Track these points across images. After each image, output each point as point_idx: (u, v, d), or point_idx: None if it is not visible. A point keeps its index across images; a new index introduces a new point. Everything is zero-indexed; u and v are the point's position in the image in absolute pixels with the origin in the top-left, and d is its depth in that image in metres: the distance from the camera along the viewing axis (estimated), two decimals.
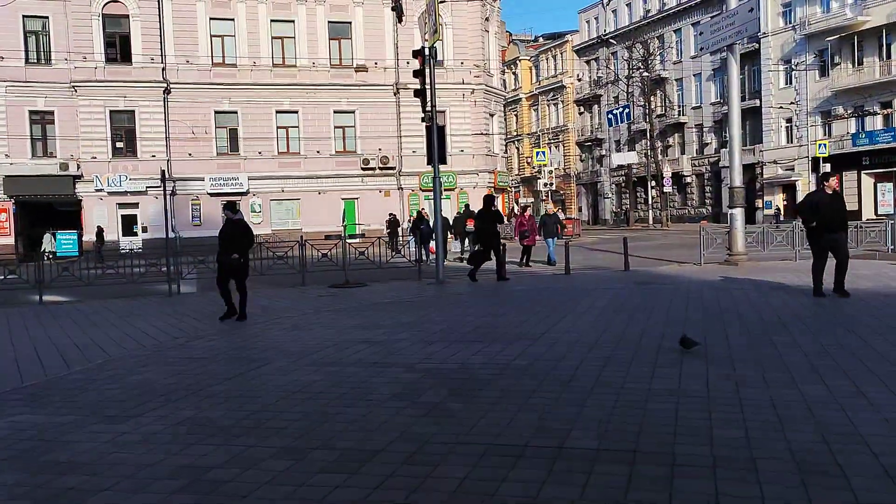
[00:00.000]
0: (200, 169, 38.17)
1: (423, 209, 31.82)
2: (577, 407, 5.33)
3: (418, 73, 15.71)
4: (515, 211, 60.10)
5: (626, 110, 27.36)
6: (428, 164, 15.97)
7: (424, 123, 15.79)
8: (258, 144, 39.17)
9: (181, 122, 37.79)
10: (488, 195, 19.72)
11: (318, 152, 40.24)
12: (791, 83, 50.82)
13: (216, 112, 38.87)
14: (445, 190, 39.95)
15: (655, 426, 4.80)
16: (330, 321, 10.35)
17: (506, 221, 19.11)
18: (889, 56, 44.30)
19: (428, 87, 15.45)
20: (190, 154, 38.07)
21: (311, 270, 16.61)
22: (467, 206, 30.23)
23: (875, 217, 44.52)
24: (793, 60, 50.08)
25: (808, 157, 49.21)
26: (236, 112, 39.14)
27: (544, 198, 49.22)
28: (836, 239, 10.78)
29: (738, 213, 17.13)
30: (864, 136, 45.71)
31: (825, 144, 45.04)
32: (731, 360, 6.75)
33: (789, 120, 51.22)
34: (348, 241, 16.62)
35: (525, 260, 19.98)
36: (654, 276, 15.27)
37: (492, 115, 44.81)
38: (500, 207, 22.52)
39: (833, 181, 11.13)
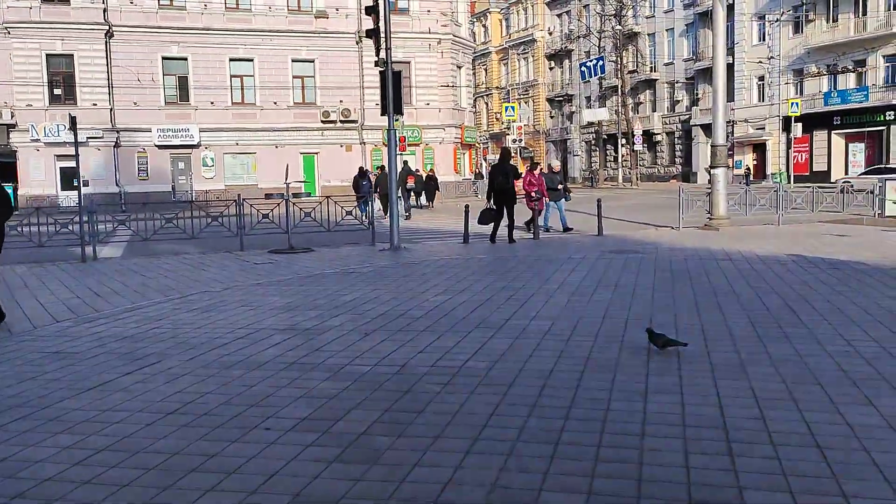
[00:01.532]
0: (147, 119, 35.79)
1: (382, 166, 30.08)
2: (549, 447, 3.85)
3: (371, 10, 13.87)
4: (483, 170, 58.50)
5: (601, 62, 25.73)
6: (382, 114, 14.25)
7: (378, 69, 14.00)
8: (210, 94, 36.81)
9: (125, 69, 35.27)
10: (505, 148, 18.02)
11: (275, 104, 38.03)
12: (764, 40, 49.48)
13: (164, 58, 36.36)
14: (410, 145, 38.16)
15: (661, 484, 3.35)
16: (255, 299, 8.75)
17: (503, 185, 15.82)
18: (865, 12, 43.05)
19: (382, 25, 13.63)
20: (135, 103, 35.63)
21: (252, 234, 14.91)
22: (406, 162, 28.67)
23: (846, 178, 43.87)
24: (767, 16, 48.65)
25: (779, 116, 48.16)
26: (186, 59, 36.67)
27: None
28: None
29: (721, 174, 15.77)
30: (836, 95, 44.68)
31: (797, 103, 43.85)
32: (742, 365, 5.33)
33: (762, 78, 50.02)
34: (292, 200, 14.86)
35: (531, 227, 16.63)
36: (631, 242, 13.86)
37: (459, 68, 42.85)
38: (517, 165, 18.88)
39: None
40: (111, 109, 35.57)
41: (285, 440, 4.05)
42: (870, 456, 3.64)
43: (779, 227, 16.09)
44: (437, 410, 4.50)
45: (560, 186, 17.85)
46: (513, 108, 45.38)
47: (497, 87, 77.06)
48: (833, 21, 44.88)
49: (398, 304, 8.07)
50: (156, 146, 36.09)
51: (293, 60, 38.40)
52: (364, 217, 17.25)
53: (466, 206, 15.40)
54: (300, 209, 15.00)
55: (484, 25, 78.92)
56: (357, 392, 4.92)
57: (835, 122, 44.92)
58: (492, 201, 14.55)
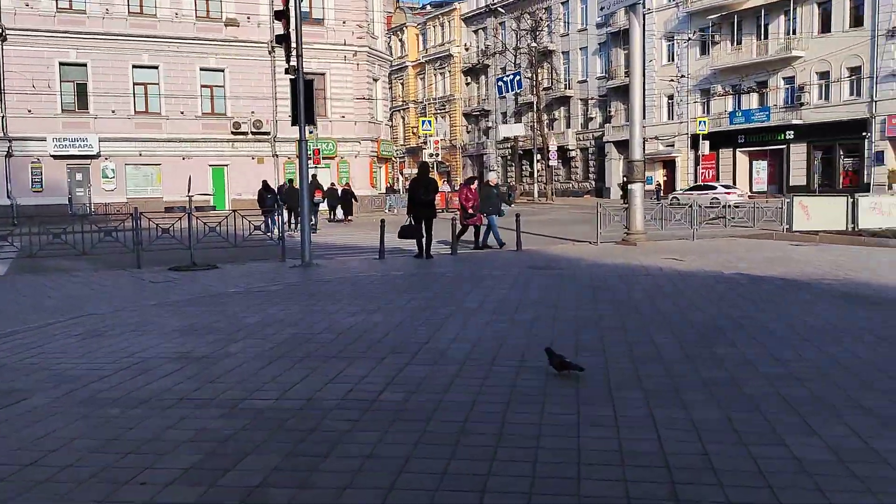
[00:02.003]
0: (42, 127, 33.66)
1: (291, 179, 29.18)
2: (475, 497, 3.35)
3: (281, 15, 13.19)
4: (400, 184, 58.03)
5: (517, 78, 25.75)
6: (293, 124, 13.55)
7: (289, 76, 13.32)
8: (111, 102, 34.96)
9: (19, 74, 33.16)
10: (424, 162, 17.59)
11: (182, 113, 36.48)
12: (674, 60, 50.97)
13: (61, 63, 34.34)
14: (325, 158, 37.36)
15: None
16: (147, 321, 7.95)
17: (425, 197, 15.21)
18: (766, 36, 44.89)
19: (294, 31, 12.97)
20: (29, 110, 33.46)
21: (150, 249, 13.90)
22: (315, 176, 27.93)
23: (750, 193, 45.48)
24: (676, 37, 50.18)
25: (687, 133, 49.61)
26: (85, 64, 34.72)
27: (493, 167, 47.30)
28: None
29: (638, 189, 15.76)
30: (740, 114, 46.35)
31: (705, 122, 45.35)
32: (676, 390, 4.98)
33: (671, 97, 51.44)
34: (196, 213, 13.92)
35: (479, 241, 16.14)
36: (550, 258, 13.60)
37: (376, 81, 42.29)
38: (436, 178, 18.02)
39: None
40: (2, 117, 33.34)
41: (163, 498, 3.41)
42: (826, 498, 3.29)
43: (693, 241, 16.18)
44: (345, 453, 3.93)
45: (501, 197, 17.35)
46: (429, 122, 45.14)
47: (414, 102, 76.90)
48: (737, 44, 46.61)
49: (307, 327, 7.45)
50: (51, 156, 34.00)
51: (202, 69, 37.00)
52: (271, 232, 16.44)
53: (382, 221, 14.84)
54: (205, 223, 14.10)
55: (401, 40, 78.76)
56: (255, 432, 4.30)
57: (739, 141, 46.57)
58: (412, 217, 14.08)
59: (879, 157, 39.35)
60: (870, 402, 4.62)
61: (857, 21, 40.27)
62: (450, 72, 72.63)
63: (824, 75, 41.96)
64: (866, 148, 40.13)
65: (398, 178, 64.38)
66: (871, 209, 16.97)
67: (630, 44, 16.48)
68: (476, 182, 16.81)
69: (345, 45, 38.97)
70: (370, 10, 41.34)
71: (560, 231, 21.12)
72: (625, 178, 53.46)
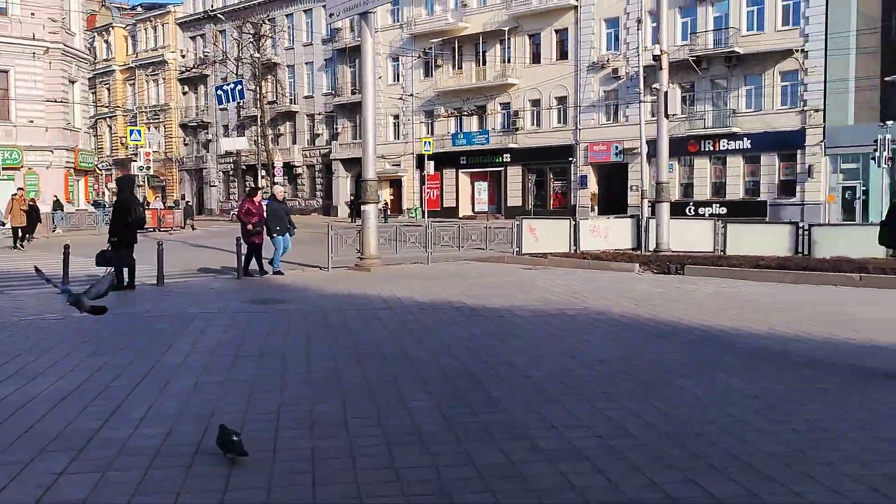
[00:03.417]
0: None
1: None
2: None
3: None
4: (107, 199, 51.92)
5: (239, 87, 23.80)
6: None
7: None
8: None
9: None
10: (123, 176, 14.61)
11: None
12: (399, 80, 51.67)
13: None
14: (7, 168, 31.97)
15: None
16: None
17: (142, 214, 12.39)
18: (485, 63, 47.11)
19: None
20: None
21: None
22: None
23: (472, 213, 47.38)
24: (401, 57, 50.91)
25: (413, 153, 50.48)
26: None
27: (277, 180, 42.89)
28: None
29: (372, 210, 14.72)
30: (462, 137, 48.15)
31: (430, 142, 46.29)
32: (444, 490, 3.73)
33: (397, 116, 52.07)
34: None
35: (253, 265, 14.00)
36: (276, 288, 11.97)
37: (73, 83, 37.29)
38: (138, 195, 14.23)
39: None
40: None
41: None
42: None
43: (428, 265, 15.51)
44: None
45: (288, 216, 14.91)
46: (139, 131, 40.84)
47: (123, 110, 70.11)
48: (458, 68, 48.36)
49: None
50: None
51: None
52: None
53: (66, 247, 12.16)
54: None
55: (106, 41, 71.59)
56: None
57: (461, 162, 48.30)
58: (118, 239, 11.66)
59: (584, 181, 42.88)
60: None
61: (562, 55, 43.63)
62: (164, 79, 67.35)
63: (536, 103, 44.93)
64: (572, 172, 43.53)
65: (104, 193, 58.00)
66: (591, 231, 17.61)
67: (362, 54, 15.48)
68: (258, 193, 14.76)
69: (34, 39, 33.84)
70: (66, 4, 36.45)
71: (288, 253, 19.43)
72: (352, 197, 53.34)
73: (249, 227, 13.82)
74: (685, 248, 17.18)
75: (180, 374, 6.05)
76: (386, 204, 50.06)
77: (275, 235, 14.19)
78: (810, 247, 16.15)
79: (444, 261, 16.06)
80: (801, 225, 16.79)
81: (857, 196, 32.98)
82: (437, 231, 16.31)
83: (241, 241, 13.88)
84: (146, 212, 35.79)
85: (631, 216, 19.12)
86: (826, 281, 12.24)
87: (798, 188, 34.76)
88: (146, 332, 7.93)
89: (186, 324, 8.37)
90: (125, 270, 11.89)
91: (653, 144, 36.47)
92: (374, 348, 7.01)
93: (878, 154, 28.40)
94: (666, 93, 16.44)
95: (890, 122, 28.34)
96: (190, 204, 48.81)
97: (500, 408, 5.12)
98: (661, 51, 16.25)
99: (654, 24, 39.39)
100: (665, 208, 16.81)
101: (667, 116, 16.79)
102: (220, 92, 25.87)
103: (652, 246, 17.26)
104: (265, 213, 14.14)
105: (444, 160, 47.91)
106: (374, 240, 14.71)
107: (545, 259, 15.94)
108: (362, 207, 14.81)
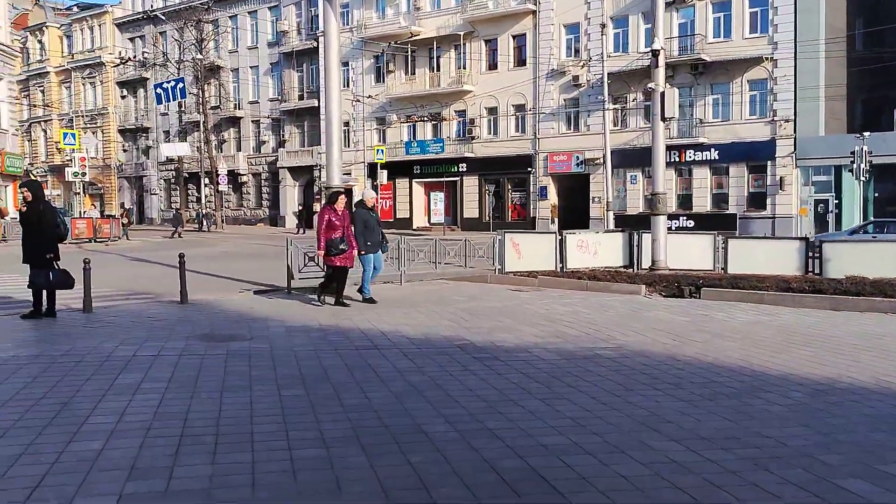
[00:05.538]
0: None
1: None
2: None
3: None
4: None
5: (180, 85, 21.64)
6: None
7: None
8: None
9: None
10: (31, 180, 12.32)
11: None
12: (349, 86, 49.57)
13: None
14: None
15: None
16: None
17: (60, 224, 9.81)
18: (439, 69, 45.40)
19: None
20: None
21: None
22: None
23: (427, 225, 45.49)
24: (350, 62, 48.76)
25: (364, 162, 48.42)
26: None
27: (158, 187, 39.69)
28: None
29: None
30: (416, 145, 46.28)
31: (382, 150, 44.23)
32: None
33: (347, 123, 49.89)
34: None
35: (328, 290, 11.13)
36: (231, 317, 9.88)
37: None
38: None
39: None
40: None
41: None
42: None
43: (402, 286, 13.60)
44: None
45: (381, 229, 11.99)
46: (73, 135, 37.80)
47: (59, 114, 66.19)
48: (412, 73, 46.53)
49: None
50: None
51: None
52: None
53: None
54: None
55: (40, 41, 67.67)
56: None
57: (415, 171, 46.41)
58: (52, 255, 9.49)
59: (543, 192, 41.42)
60: None
61: (520, 61, 42.18)
62: (101, 82, 63.83)
63: (493, 111, 43.35)
64: (531, 183, 42.05)
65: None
66: (578, 247, 15.94)
67: (326, 37, 13.57)
68: (339, 199, 11.05)
69: None
70: None
71: (237, 269, 17.30)
72: (300, 207, 50.83)
73: (328, 240, 10.62)
74: (682, 265, 15.62)
75: (101, 467, 4.00)
76: None
77: (363, 252, 11.38)
78: (822, 265, 14.74)
79: (418, 280, 14.14)
80: (811, 240, 15.37)
81: (830, 209, 32.21)
82: (412, 246, 14.37)
83: (320, 261, 11.23)
84: (81, 221, 33.35)
85: (621, 230, 17.49)
86: (873, 308, 10.75)
87: (769, 201, 33.86)
88: (62, 385, 5.80)
89: (112, 377, 6.27)
90: (43, 293, 9.71)
91: (616, 154, 36.09)
92: (375, 421, 5.05)
93: (854, 166, 27.54)
94: (663, 93, 14.86)
95: (867, 133, 27.49)
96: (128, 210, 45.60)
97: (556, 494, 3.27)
98: (659, 47, 14.68)
99: (617, 31, 38.64)
100: (662, 221, 15.22)
101: (664, 119, 15.21)
102: (159, 90, 23.64)
103: (646, 263, 15.67)
104: (353, 225, 11.16)
105: (398, 169, 45.94)
106: None
107: (535, 279, 14.17)
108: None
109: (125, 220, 38.97)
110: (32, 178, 10.66)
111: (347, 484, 3.85)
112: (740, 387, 6.14)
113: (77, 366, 6.63)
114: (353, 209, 11.88)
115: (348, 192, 15.00)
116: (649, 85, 15.42)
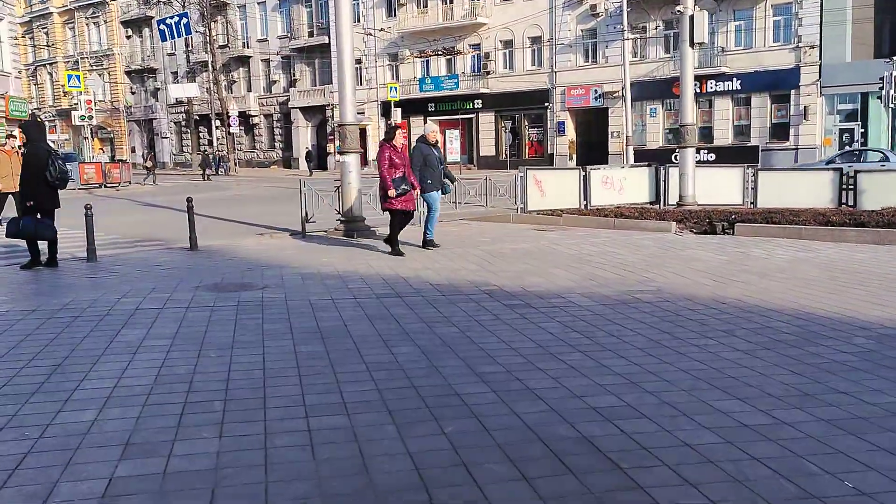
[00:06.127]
0: None
1: None
2: None
3: None
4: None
5: (185, 20, 20.72)
6: None
7: None
8: None
9: None
10: (30, 121, 11.59)
11: None
12: (360, 20, 48.09)
13: None
14: None
15: None
16: None
17: (64, 170, 9.05)
18: (451, 0, 43.83)
19: None
20: None
21: None
22: None
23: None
24: None
25: (377, 100, 47.33)
26: None
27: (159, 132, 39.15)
28: None
29: (353, 162, 12.09)
30: (430, 82, 45.07)
31: (396, 88, 43.11)
32: None
33: (359, 61, 48.62)
34: None
35: (392, 238, 10.00)
36: (242, 264, 9.37)
37: None
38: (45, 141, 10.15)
39: None
40: None
41: None
42: None
43: (422, 227, 13.00)
44: None
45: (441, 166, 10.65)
46: (78, 77, 36.87)
47: (64, 56, 65.11)
48: (424, 6, 45.02)
49: None
50: None
51: None
52: None
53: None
54: None
55: None
56: None
57: (430, 109, 45.33)
58: (32, 203, 8.96)
59: (561, 128, 40.36)
60: None
61: None
62: (106, 21, 62.51)
63: (508, 44, 41.98)
64: (548, 119, 40.94)
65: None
66: (602, 183, 15.25)
67: None
68: (397, 134, 9.93)
69: None
70: None
71: (251, 214, 16.78)
72: (312, 145, 49.95)
73: (390, 189, 9.58)
74: (709, 200, 14.95)
75: (83, 462, 3.51)
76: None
77: (424, 191, 10.37)
78: (856, 196, 14.01)
79: (439, 221, 13.54)
80: (845, 171, 14.59)
81: (856, 139, 31.07)
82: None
83: (381, 205, 10.04)
84: (89, 167, 32.67)
85: (647, 164, 16.71)
86: None
87: (792, 132, 32.73)
88: (46, 356, 5.31)
89: (112, 333, 5.78)
90: (45, 244, 9.25)
91: (635, 86, 34.84)
92: (402, 382, 4.54)
93: (883, 93, 26.36)
94: (692, 16, 13.93)
95: None
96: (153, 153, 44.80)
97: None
98: None
99: None
100: (690, 154, 14.47)
101: (692, 46, 14.30)
102: (162, 26, 22.73)
103: (673, 199, 14.98)
104: (412, 163, 10.10)
105: (412, 107, 44.87)
106: (357, 197, 12.12)
107: (559, 217, 13.53)
108: (341, 158, 12.18)
109: (149, 164, 38.42)
110: (39, 121, 10.20)
111: (375, 462, 3.34)
112: (798, 333, 5.57)
113: (75, 321, 6.15)
114: (413, 145, 10.97)
115: (361, 132, 13.98)
116: (677, 8, 14.50)
